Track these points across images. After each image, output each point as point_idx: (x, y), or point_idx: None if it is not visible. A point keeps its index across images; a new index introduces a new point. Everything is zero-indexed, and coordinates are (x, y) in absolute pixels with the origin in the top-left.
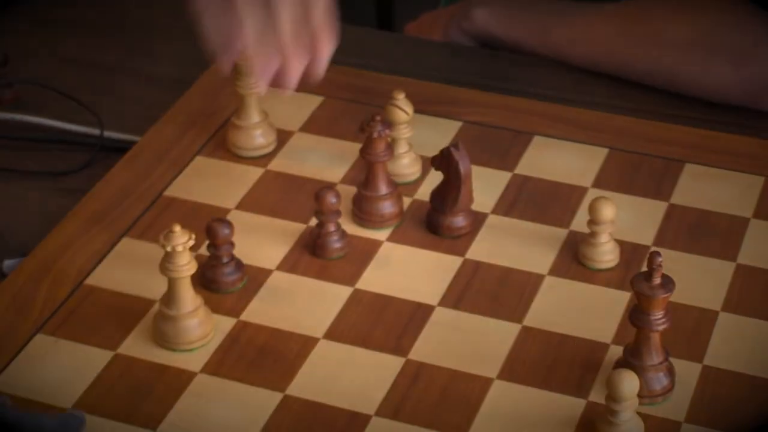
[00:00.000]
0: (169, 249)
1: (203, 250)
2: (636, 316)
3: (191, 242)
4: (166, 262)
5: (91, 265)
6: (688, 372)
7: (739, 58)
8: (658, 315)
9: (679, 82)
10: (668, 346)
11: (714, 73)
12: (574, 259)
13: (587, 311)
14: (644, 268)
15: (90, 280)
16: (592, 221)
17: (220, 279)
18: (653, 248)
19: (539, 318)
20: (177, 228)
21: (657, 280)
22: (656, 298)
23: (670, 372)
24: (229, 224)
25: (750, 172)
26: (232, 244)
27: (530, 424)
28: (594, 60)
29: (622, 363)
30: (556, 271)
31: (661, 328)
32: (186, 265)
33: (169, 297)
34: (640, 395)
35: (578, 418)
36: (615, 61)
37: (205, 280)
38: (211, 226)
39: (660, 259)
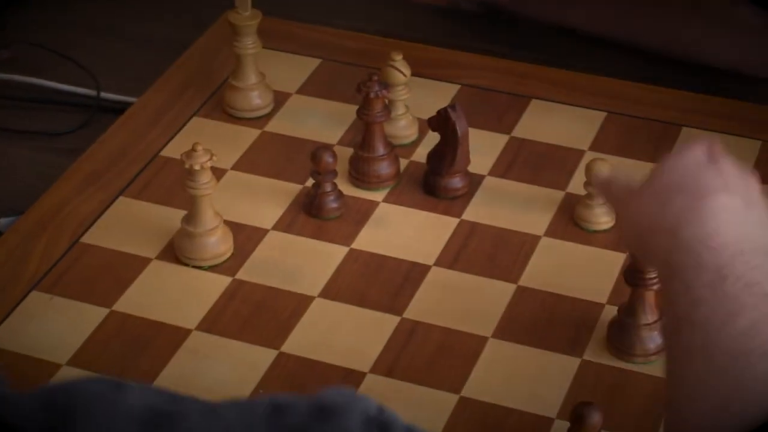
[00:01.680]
0: (188, 166)
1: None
2: (630, 274)
3: (212, 161)
4: (188, 180)
5: (87, 223)
6: None
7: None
8: (652, 274)
9: (679, 49)
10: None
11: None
12: (570, 221)
13: (583, 272)
14: None
15: (86, 239)
16: (589, 182)
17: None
18: None
19: (535, 278)
20: (199, 147)
21: None
22: None
23: None
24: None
25: (747, 137)
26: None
27: (524, 382)
28: (594, 24)
29: (617, 322)
30: (552, 232)
31: (655, 287)
32: (207, 184)
33: (190, 214)
34: (634, 354)
35: (572, 377)
36: (617, 27)
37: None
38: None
39: None
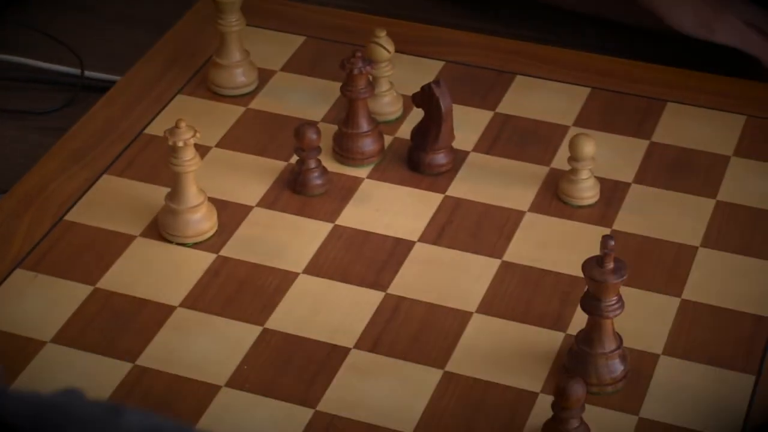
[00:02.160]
0: (172, 143)
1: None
2: (587, 302)
3: (195, 138)
4: (171, 157)
5: (71, 201)
6: (667, 306)
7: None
8: (610, 301)
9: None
10: (648, 281)
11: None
12: (554, 196)
13: (567, 247)
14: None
15: (70, 216)
16: (573, 158)
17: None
18: (633, 185)
19: (519, 254)
20: (182, 124)
21: (609, 266)
22: (608, 284)
23: (624, 360)
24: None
25: (731, 111)
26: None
27: (508, 357)
28: (579, 1)
29: (574, 351)
30: (536, 207)
31: (613, 315)
32: (190, 160)
33: (174, 191)
34: (590, 383)
35: (556, 352)
36: (602, 3)
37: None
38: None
39: (612, 243)
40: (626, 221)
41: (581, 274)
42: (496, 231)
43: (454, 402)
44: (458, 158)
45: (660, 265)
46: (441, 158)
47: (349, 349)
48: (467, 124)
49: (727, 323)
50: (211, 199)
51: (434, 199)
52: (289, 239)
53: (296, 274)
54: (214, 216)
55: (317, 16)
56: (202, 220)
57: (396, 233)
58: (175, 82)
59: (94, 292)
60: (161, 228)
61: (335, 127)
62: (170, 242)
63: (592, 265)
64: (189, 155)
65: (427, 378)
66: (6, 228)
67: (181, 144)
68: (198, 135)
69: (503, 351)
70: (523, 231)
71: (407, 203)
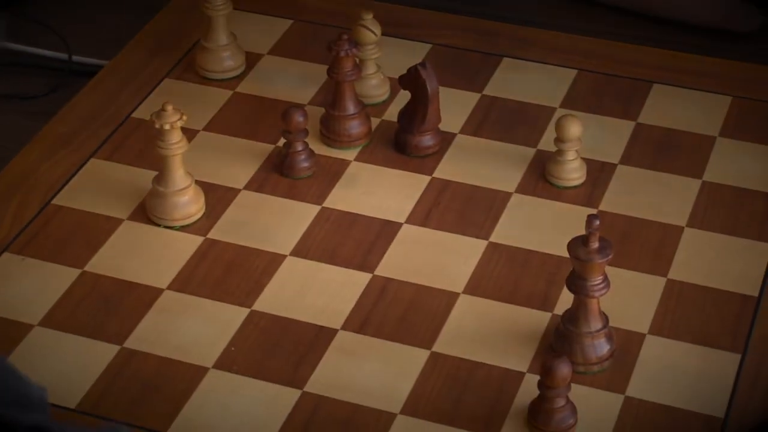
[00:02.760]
0: (158, 126)
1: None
2: (573, 281)
3: (182, 121)
4: (158, 140)
5: (59, 185)
6: (653, 285)
7: None
8: (596, 281)
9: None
10: (634, 260)
11: None
12: (540, 177)
13: (553, 228)
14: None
15: (57, 200)
16: (559, 139)
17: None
18: (620, 166)
19: (506, 235)
20: (169, 107)
21: (594, 245)
22: (593, 263)
23: (610, 339)
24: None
25: (717, 92)
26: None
27: (495, 337)
28: None
29: (561, 331)
30: (522, 189)
31: (598, 294)
32: (177, 144)
33: (161, 174)
34: (575, 362)
35: (543, 331)
36: None
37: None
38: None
39: (597, 223)
40: (612, 202)
41: (568, 254)
42: (483, 212)
43: (441, 382)
44: (445, 140)
45: (646, 245)
46: (428, 140)
47: (337, 331)
48: (454, 107)
49: (712, 302)
50: (199, 182)
51: (421, 181)
52: (276, 222)
53: (284, 257)
54: (202, 199)
55: None
56: (189, 203)
57: (383, 215)
58: (163, 66)
59: (82, 275)
60: (149, 211)
61: (322, 110)
62: (158, 225)
63: (577, 244)
64: (175, 138)
65: (414, 358)
66: None
67: (167, 127)
68: (184, 118)
69: (490, 331)
70: (509, 212)
71: (394, 185)
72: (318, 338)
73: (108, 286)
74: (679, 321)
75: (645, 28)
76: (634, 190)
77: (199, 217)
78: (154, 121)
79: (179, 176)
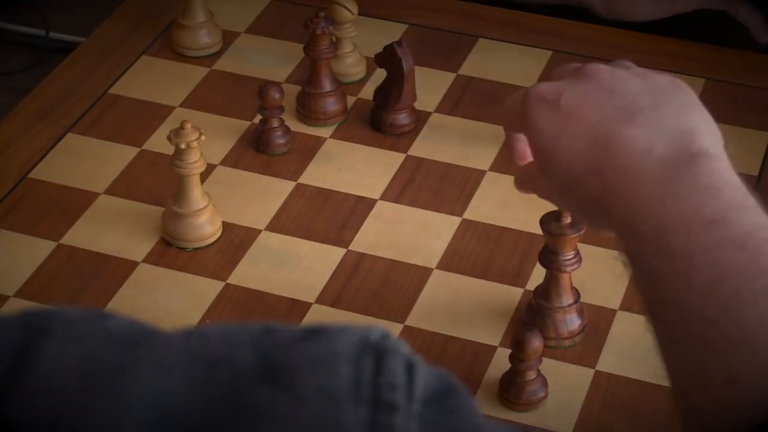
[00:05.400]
0: (175, 145)
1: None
2: (545, 256)
3: (201, 139)
4: (175, 159)
5: (35, 159)
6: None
7: None
8: (568, 255)
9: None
10: (606, 237)
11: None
12: None
13: (527, 206)
14: None
15: (34, 174)
16: None
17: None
18: None
19: (479, 212)
20: (188, 125)
21: (566, 220)
22: (565, 237)
23: (581, 314)
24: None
25: (690, 74)
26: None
27: (467, 312)
28: None
29: (533, 306)
30: (497, 167)
31: (570, 269)
32: (194, 163)
33: (178, 195)
34: (547, 337)
35: (515, 307)
36: None
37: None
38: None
39: None
40: None
41: (540, 231)
42: (457, 189)
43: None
44: (420, 119)
45: None
46: (403, 118)
47: (311, 304)
48: (430, 86)
49: None
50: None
51: (396, 158)
52: (252, 197)
53: (259, 231)
54: (219, 220)
55: None
56: (205, 224)
57: (358, 191)
58: (140, 42)
59: (58, 248)
60: (164, 233)
61: (299, 88)
62: (170, 245)
63: (549, 219)
64: (194, 157)
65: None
66: None
67: (183, 146)
68: (203, 138)
69: (463, 306)
70: (483, 190)
71: (369, 162)
72: (292, 311)
73: (84, 259)
74: None
75: None
76: None
77: (216, 239)
78: (172, 139)
79: (195, 197)
